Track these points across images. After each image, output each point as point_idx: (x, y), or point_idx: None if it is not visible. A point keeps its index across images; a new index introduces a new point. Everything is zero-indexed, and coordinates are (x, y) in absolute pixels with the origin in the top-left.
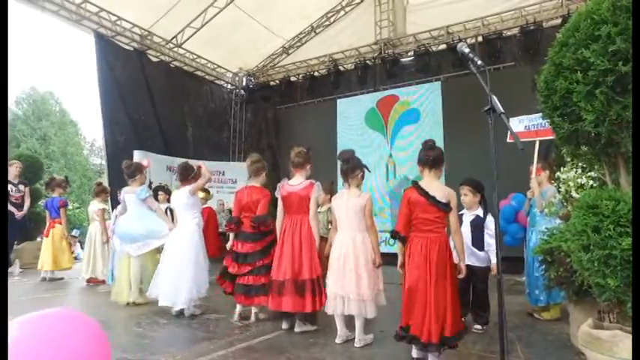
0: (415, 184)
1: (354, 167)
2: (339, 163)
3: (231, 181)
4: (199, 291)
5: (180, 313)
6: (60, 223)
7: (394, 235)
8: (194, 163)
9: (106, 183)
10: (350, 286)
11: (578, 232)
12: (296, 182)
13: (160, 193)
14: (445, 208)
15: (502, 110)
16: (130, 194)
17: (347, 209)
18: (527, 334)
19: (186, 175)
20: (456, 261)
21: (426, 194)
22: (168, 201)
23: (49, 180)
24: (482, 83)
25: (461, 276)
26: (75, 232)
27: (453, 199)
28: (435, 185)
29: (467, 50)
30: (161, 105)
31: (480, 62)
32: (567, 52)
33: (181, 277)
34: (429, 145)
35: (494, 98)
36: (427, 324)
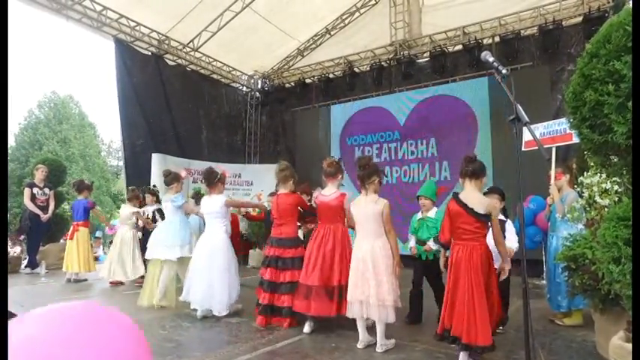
0: (455, 196)
1: (370, 173)
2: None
3: (247, 183)
4: (231, 296)
5: (205, 315)
6: (84, 226)
7: (438, 241)
8: (207, 165)
9: (123, 185)
10: (370, 290)
11: (608, 244)
12: (328, 192)
13: (146, 195)
14: (484, 218)
15: (527, 119)
16: (168, 202)
17: (365, 215)
18: (550, 340)
19: (212, 180)
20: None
21: (464, 205)
22: (157, 202)
23: (79, 182)
24: (507, 92)
25: (504, 276)
26: (98, 234)
27: (494, 209)
28: (475, 196)
29: (491, 59)
30: (177, 108)
31: (504, 71)
32: (598, 64)
33: (216, 283)
34: (469, 158)
35: (519, 107)
36: (467, 327)
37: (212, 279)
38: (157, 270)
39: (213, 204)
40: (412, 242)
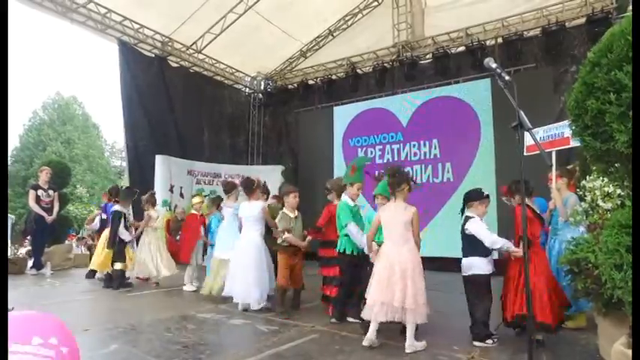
0: (529, 207)
1: (400, 181)
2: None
3: None
4: (263, 293)
5: (246, 309)
6: None
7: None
8: (214, 166)
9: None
10: (396, 294)
11: (610, 250)
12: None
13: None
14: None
15: (530, 126)
16: (228, 208)
17: (394, 222)
18: (552, 343)
19: (251, 188)
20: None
21: (537, 215)
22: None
23: (113, 188)
24: (510, 98)
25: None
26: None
27: None
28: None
29: (494, 65)
30: (180, 110)
31: (507, 78)
32: (600, 73)
33: (252, 280)
34: (524, 181)
35: (522, 113)
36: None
37: (248, 276)
38: (217, 266)
39: (252, 209)
40: (374, 246)
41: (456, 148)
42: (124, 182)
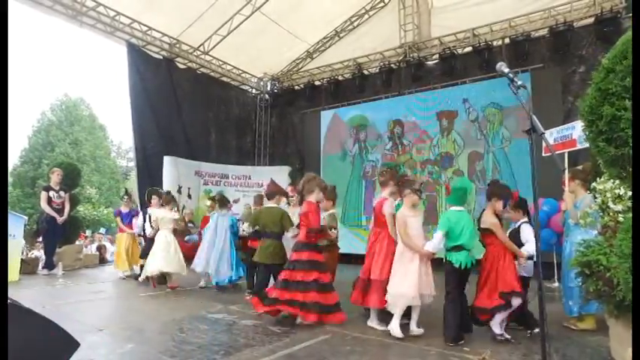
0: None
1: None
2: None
3: (258, 184)
4: None
5: None
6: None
7: None
8: (221, 167)
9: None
10: None
11: (624, 254)
12: (376, 198)
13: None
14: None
15: (542, 130)
16: None
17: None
18: (563, 345)
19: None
20: None
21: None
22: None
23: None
24: (522, 104)
25: None
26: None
27: None
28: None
29: (506, 70)
30: (188, 111)
31: (520, 82)
32: (614, 79)
33: None
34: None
35: (535, 118)
36: None
37: None
38: None
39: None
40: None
41: (464, 149)
42: (132, 183)
